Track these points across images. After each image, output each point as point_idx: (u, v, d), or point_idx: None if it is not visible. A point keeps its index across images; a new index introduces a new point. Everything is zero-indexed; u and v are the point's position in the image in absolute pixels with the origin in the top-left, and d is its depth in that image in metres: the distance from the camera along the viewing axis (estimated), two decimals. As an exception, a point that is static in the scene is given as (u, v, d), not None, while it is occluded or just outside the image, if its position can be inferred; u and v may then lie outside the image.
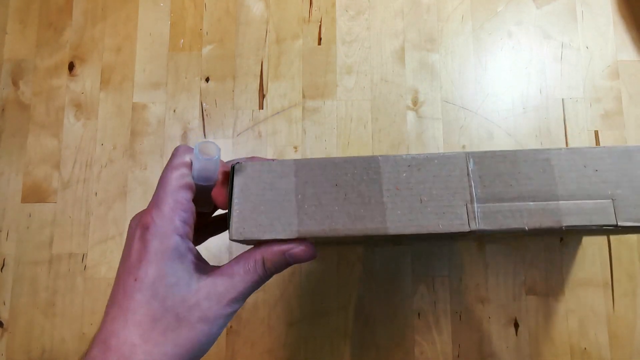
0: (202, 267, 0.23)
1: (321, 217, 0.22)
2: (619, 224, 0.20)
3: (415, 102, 0.50)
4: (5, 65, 0.53)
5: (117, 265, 0.49)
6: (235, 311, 0.23)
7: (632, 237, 0.47)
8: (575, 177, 0.21)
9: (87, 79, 0.53)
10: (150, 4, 0.54)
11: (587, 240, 0.47)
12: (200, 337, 0.22)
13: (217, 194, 0.24)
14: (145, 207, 0.24)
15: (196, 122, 0.51)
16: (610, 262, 0.47)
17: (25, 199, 0.50)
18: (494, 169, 0.21)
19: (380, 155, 0.22)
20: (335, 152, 0.50)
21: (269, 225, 0.22)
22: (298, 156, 0.50)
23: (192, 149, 0.25)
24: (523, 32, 0.52)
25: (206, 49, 0.53)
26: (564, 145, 0.49)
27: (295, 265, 0.47)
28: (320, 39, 0.52)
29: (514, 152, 0.21)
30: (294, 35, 0.53)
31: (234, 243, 0.48)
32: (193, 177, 0.24)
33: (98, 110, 0.52)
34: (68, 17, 0.54)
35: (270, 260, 0.23)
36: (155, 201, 0.23)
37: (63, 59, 0.53)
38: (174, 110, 0.52)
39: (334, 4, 0.53)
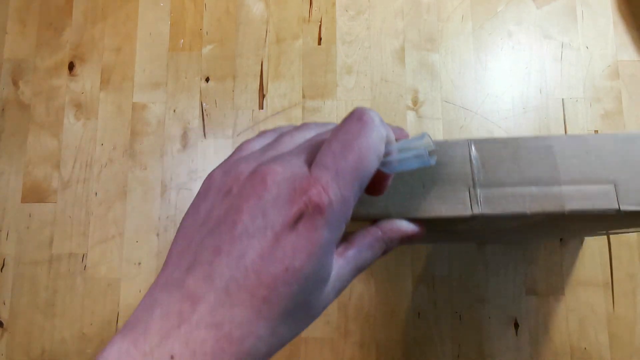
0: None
1: None
2: (622, 208, 0.20)
3: (415, 102, 0.50)
4: (5, 65, 0.53)
5: (117, 266, 0.49)
6: None
7: (632, 237, 0.47)
8: (577, 163, 0.21)
9: (87, 79, 0.53)
10: (150, 4, 0.54)
11: (587, 240, 0.47)
12: (309, 324, 0.19)
13: (384, 182, 0.20)
14: (284, 157, 0.18)
15: (196, 122, 0.51)
16: (611, 262, 0.47)
17: (25, 199, 0.50)
18: (496, 155, 0.21)
19: None
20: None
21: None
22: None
23: (383, 121, 0.19)
24: (523, 32, 0.52)
25: (206, 49, 0.53)
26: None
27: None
28: (320, 39, 0.52)
29: (516, 139, 0.22)
30: (294, 35, 0.53)
31: None
32: (384, 163, 0.19)
33: (98, 110, 0.52)
34: (68, 17, 0.54)
35: (391, 246, 0.21)
36: (334, 176, 0.17)
37: (63, 59, 0.53)
38: (174, 110, 0.52)
39: (334, 4, 0.53)
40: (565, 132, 0.49)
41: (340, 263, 0.19)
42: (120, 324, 0.48)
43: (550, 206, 0.20)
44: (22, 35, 0.54)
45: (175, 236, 0.19)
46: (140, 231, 0.49)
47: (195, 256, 0.18)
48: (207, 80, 0.52)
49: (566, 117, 0.49)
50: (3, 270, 0.49)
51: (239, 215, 0.17)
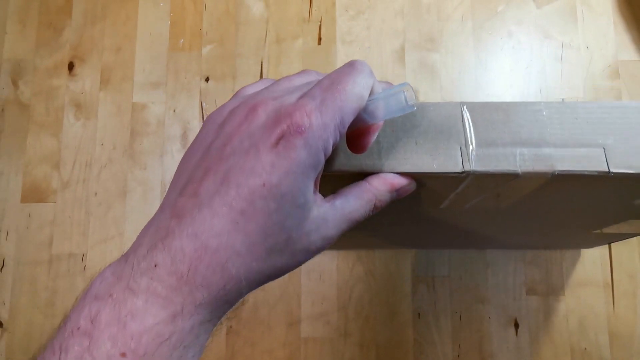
0: (316, 193, 0.20)
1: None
2: (611, 170, 0.20)
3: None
4: (5, 65, 0.53)
5: (116, 265, 0.49)
6: (329, 246, 0.21)
7: (633, 238, 0.47)
8: (567, 127, 0.21)
9: (87, 79, 0.53)
10: (150, 4, 0.54)
11: (587, 240, 0.47)
12: (293, 265, 0.19)
13: (367, 136, 0.21)
14: (279, 96, 0.19)
15: (196, 122, 0.51)
16: (611, 262, 0.47)
17: (24, 199, 0.50)
18: (487, 117, 0.22)
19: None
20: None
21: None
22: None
23: (373, 73, 0.20)
24: (523, 31, 0.52)
25: (206, 49, 0.53)
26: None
27: (295, 265, 0.47)
28: (320, 38, 0.52)
29: (507, 103, 0.22)
30: (294, 35, 0.53)
31: None
32: (366, 107, 0.20)
33: (98, 110, 0.52)
34: (67, 17, 0.54)
35: (381, 199, 0.21)
36: (319, 104, 0.18)
37: (63, 59, 0.53)
38: (174, 110, 0.52)
39: (334, 4, 0.53)
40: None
41: (325, 207, 0.20)
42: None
43: (540, 166, 0.21)
44: (22, 35, 0.54)
45: (177, 167, 0.21)
46: (140, 231, 0.49)
47: (188, 178, 0.19)
48: (207, 80, 0.52)
49: (566, 117, 0.49)
50: (3, 271, 0.49)
51: (229, 139, 0.19)
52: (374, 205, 0.21)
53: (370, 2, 0.53)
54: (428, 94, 0.51)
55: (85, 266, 0.49)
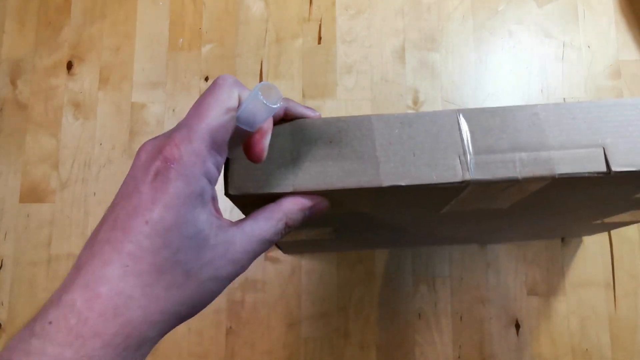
0: (219, 218, 0.20)
1: (316, 172, 0.22)
2: (612, 169, 0.20)
3: (415, 101, 0.50)
4: (4, 64, 0.53)
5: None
6: (244, 270, 0.21)
7: (634, 237, 0.47)
8: (564, 128, 0.21)
9: (86, 79, 0.52)
10: (149, 3, 0.54)
11: (588, 240, 0.47)
12: (205, 296, 0.19)
13: (257, 144, 0.21)
14: (164, 133, 0.20)
15: (195, 122, 0.51)
16: (612, 262, 0.47)
17: (23, 199, 0.50)
18: (484, 123, 0.22)
19: (372, 115, 0.23)
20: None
21: (265, 180, 0.22)
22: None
23: (239, 83, 0.21)
24: (524, 31, 0.52)
25: (205, 48, 0.52)
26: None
27: (295, 265, 0.47)
28: (320, 38, 0.52)
29: (502, 108, 0.22)
30: (293, 34, 0.52)
31: None
32: (238, 118, 0.20)
33: (97, 109, 0.52)
34: (67, 16, 0.54)
35: (291, 217, 0.22)
36: (187, 132, 0.19)
37: (61, 59, 0.53)
38: (173, 110, 0.51)
39: (334, 3, 0.53)
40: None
41: (232, 231, 0.20)
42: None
43: (540, 170, 0.21)
44: (21, 34, 0.54)
45: None
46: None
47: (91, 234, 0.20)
48: (206, 79, 0.52)
49: (567, 117, 0.49)
50: (1, 271, 0.49)
51: (120, 188, 0.19)
52: (285, 224, 0.21)
53: (371, 1, 0.53)
54: (428, 94, 0.50)
55: (84, 266, 0.49)
